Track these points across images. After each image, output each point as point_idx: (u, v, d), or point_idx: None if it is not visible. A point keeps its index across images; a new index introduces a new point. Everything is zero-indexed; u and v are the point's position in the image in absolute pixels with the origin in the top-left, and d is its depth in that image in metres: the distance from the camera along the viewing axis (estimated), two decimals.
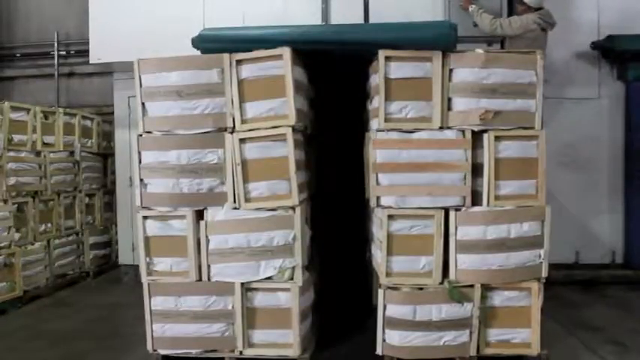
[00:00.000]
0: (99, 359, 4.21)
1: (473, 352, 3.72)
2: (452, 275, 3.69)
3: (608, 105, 6.34)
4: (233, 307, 3.77)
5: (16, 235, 5.64)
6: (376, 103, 3.77)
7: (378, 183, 3.76)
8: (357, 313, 4.84)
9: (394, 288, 3.71)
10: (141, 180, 3.85)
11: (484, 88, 3.68)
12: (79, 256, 6.74)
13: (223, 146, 3.77)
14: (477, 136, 3.72)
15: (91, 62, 6.34)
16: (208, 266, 3.80)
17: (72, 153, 6.64)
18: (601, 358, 4.03)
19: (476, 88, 3.68)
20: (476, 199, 3.73)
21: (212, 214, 3.79)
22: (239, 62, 3.76)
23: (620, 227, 6.32)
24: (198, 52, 3.97)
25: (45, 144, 6.17)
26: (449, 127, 3.72)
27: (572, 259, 6.26)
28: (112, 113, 6.94)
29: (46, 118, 6.22)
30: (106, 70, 6.87)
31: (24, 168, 5.81)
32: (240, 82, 3.76)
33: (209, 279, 3.80)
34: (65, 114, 6.58)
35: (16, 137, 5.72)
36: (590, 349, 4.18)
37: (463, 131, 3.72)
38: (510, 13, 5.51)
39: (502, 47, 5.51)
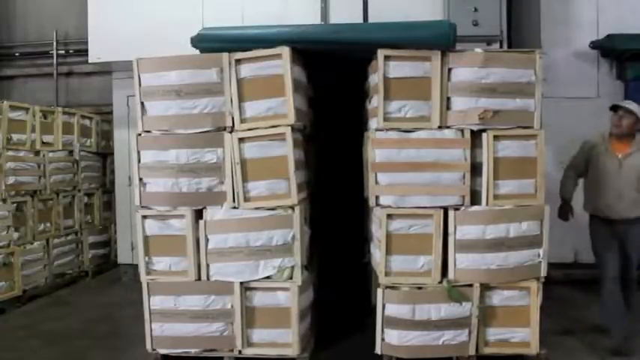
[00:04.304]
0: (98, 358, 4.21)
1: (472, 352, 3.72)
2: (451, 275, 3.69)
3: (607, 104, 6.32)
4: (232, 306, 3.77)
5: (15, 235, 5.63)
6: (375, 102, 3.77)
7: (377, 182, 3.76)
8: (356, 312, 4.85)
9: (393, 287, 3.71)
10: (140, 179, 3.85)
11: (483, 88, 3.67)
12: (78, 255, 6.74)
13: (222, 145, 3.76)
14: (475, 136, 3.72)
15: (90, 61, 6.34)
16: (207, 265, 3.80)
17: (71, 152, 6.64)
18: (600, 357, 4.03)
19: (475, 87, 3.68)
20: (475, 199, 3.72)
21: (211, 214, 3.79)
22: (238, 61, 3.75)
23: None
24: (198, 52, 3.97)
25: (44, 143, 6.16)
26: (448, 127, 3.72)
27: (571, 258, 6.24)
28: (111, 112, 6.93)
29: (45, 117, 6.22)
30: (105, 70, 6.86)
31: (23, 167, 5.80)
32: (239, 82, 3.76)
33: (208, 278, 3.80)
34: (64, 113, 6.57)
35: (15, 136, 5.71)
36: (589, 348, 4.18)
37: (462, 131, 3.71)
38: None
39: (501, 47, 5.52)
